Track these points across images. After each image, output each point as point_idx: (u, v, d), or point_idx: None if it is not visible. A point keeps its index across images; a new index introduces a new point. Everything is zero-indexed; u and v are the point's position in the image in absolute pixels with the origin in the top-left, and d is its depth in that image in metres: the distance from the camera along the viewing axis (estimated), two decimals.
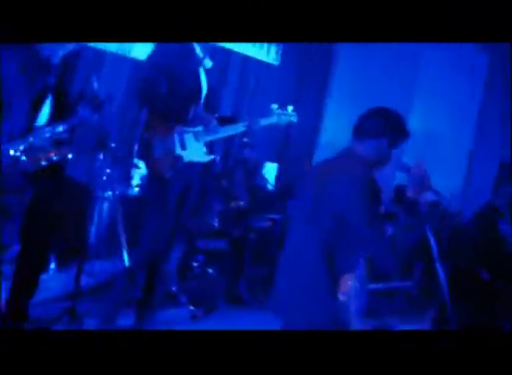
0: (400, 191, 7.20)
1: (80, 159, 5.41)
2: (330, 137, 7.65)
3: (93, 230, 5.04)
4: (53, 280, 4.64)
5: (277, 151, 7.37)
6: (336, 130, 7.52)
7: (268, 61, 7.50)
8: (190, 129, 4.03)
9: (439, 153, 7.75)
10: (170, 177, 3.92)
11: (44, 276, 4.62)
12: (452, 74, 7.96)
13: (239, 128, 4.24)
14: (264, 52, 7.46)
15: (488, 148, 7.30)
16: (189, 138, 4.01)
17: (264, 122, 4.28)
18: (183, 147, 3.98)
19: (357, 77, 7.82)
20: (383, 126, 2.97)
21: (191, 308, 4.66)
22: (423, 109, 8.16)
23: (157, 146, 3.90)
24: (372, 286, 6.07)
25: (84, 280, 4.16)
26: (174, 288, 4.69)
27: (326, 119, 7.96)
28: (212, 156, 4.23)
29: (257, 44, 7.35)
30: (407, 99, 8.18)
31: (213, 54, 6.74)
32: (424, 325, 4.42)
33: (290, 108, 4.34)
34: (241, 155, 6.08)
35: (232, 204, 5.48)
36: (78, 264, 3.89)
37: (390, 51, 7.35)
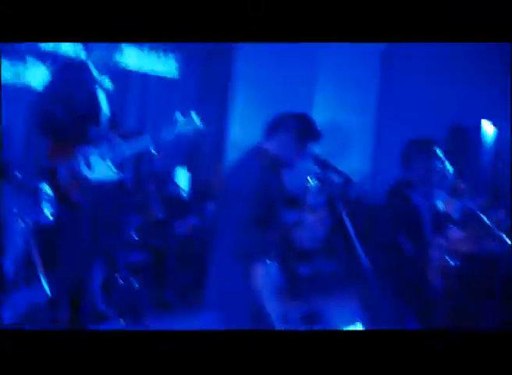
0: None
1: None
2: (238, 138, 7.72)
3: (7, 261, 4.91)
4: None
5: (188, 156, 7.37)
6: (243, 132, 7.62)
7: (168, 72, 7.51)
8: (95, 149, 4.01)
9: (347, 141, 7.96)
10: (79, 200, 3.88)
11: None
12: (348, 66, 8.17)
13: (144, 142, 4.23)
14: (162, 65, 7.47)
15: (391, 128, 7.57)
16: (94, 158, 3.99)
17: (169, 132, 4.29)
18: (89, 168, 3.96)
19: (259, 77, 7.92)
20: (293, 125, 3.08)
21: (121, 320, 4.63)
22: (325, 102, 8.37)
23: (62, 171, 3.87)
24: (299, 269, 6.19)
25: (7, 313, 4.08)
26: (101, 306, 4.63)
27: (232, 122, 8.02)
28: (121, 173, 4.20)
29: (154, 57, 7.35)
30: (309, 95, 8.38)
31: (113, 73, 6.87)
32: (351, 304, 4.49)
33: (194, 115, 4.36)
34: (151, 167, 6.06)
35: (150, 217, 5.46)
36: None
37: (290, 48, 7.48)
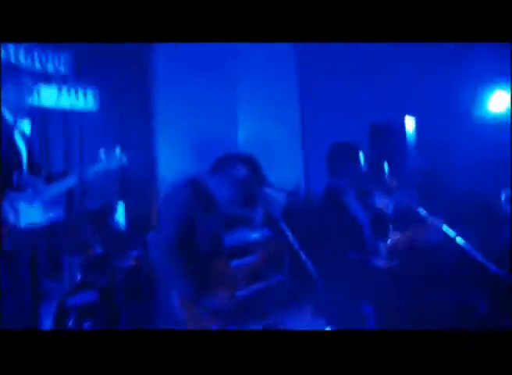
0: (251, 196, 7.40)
1: None
2: (167, 167, 7.72)
3: None
4: None
5: (121, 190, 7.30)
6: (172, 161, 7.63)
7: (88, 108, 7.43)
8: (20, 194, 3.93)
9: (274, 152, 8.04)
10: (11, 249, 3.80)
11: None
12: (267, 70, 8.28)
13: (70, 181, 4.19)
14: (81, 101, 7.39)
15: (316, 133, 7.70)
16: (21, 204, 3.91)
17: (93, 169, 4.26)
18: (17, 214, 3.87)
19: (179, 96, 7.95)
20: (238, 169, 3.13)
21: None
22: (249, 114, 8.46)
23: None
24: (241, 292, 6.20)
25: None
26: None
27: (160, 152, 8.01)
28: (51, 214, 4.14)
29: (73, 94, 7.27)
30: (232, 110, 8.45)
31: (31, 115, 6.75)
32: (306, 314, 4.53)
33: (118, 150, 4.34)
34: (83, 206, 5.98)
35: (89, 253, 5.37)
36: None
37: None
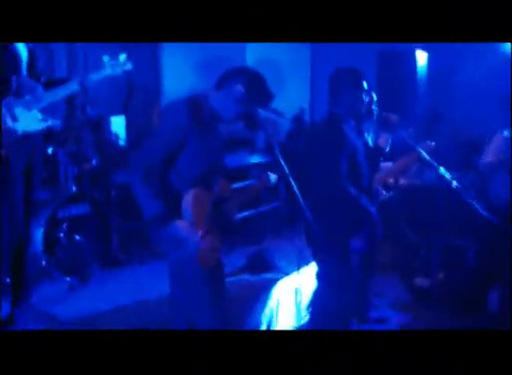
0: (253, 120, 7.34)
1: None
2: (172, 85, 7.61)
3: None
4: None
5: (122, 103, 7.21)
6: (178, 77, 7.52)
7: None
8: (19, 100, 3.84)
9: (282, 75, 7.93)
10: (6, 153, 3.75)
11: None
12: None
13: (71, 87, 4.08)
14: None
15: (325, 59, 7.55)
16: (19, 109, 3.83)
17: (96, 76, 4.04)
18: (15, 119, 3.80)
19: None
20: (243, 83, 3.02)
21: (67, 279, 4.63)
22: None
23: None
24: (242, 214, 6.24)
25: None
26: (45, 264, 4.57)
27: (165, 67, 7.87)
28: (50, 122, 4.07)
29: None
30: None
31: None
32: (298, 241, 4.54)
33: (122, 57, 4.19)
34: (83, 115, 5.89)
35: (86, 166, 5.34)
36: None
37: None
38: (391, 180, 5.05)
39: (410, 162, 4.71)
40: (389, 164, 4.62)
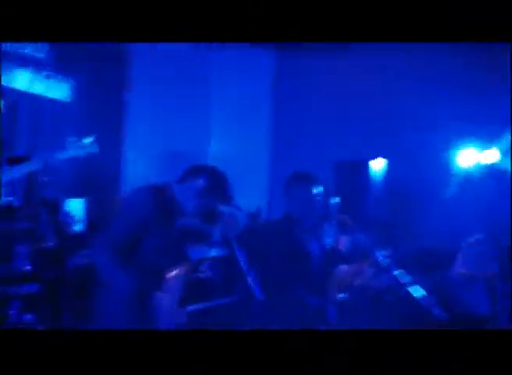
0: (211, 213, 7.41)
1: None
2: (133, 172, 7.68)
3: None
4: None
5: (83, 185, 7.21)
6: (138, 167, 7.60)
7: (61, 98, 7.35)
8: None
9: (242, 171, 8.06)
10: None
11: None
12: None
13: (34, 165, 4.04)
14: (56, 90, 7.31)
15: (285, 161, 7.74)
16: None
17: (61, 156, 4.05)
18: None
19: (153, 98, 7.94)
20: (206, 181, 3.11)
21: None
22: (221, 129, 8.49)
23: None
24: (192, 307, 6.15)
25: None
26: None
27: (127, 149, 7.96)
28: (10, 198, 4.00)
29: (51, 83, 7.19)
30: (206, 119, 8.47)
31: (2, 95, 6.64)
32: None
33: (88, 139, 4.20)
34: (43, 194, 5.85)
35: (42, 245, 5.25)
36: None
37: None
38: (346, 282, 5.08)
39: (365, 266, 4.75)
40: (345, 267, 4.66)
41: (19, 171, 3.99)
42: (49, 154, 4.04)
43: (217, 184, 3.18)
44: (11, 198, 4.06)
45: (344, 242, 4.11)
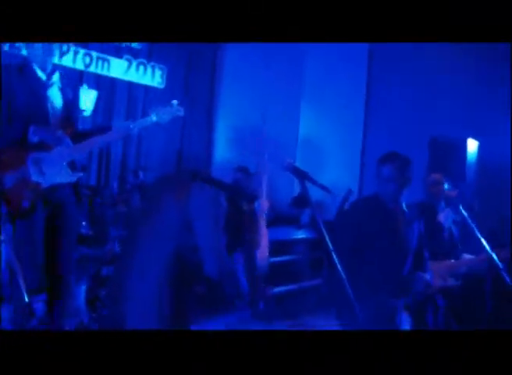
0: (301, 196, 7.43)
1: None
2: (222, 152, 7.79)
3: None
4: None
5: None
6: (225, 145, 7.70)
7: (154, 85, 7.56)
8: (44, 153, 3.71)
9: (331, 153, 8.04)
10: (28, 206, 3.63)
11: None
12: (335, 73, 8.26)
13: (112, 136, 3.95)
14: (148, 77, 7.52)
15: (377, 141, 7.64)
16: (46, 162, 3.70)
17: (140, 124, 3.94)
18: (42, 174, 3.69)
19: (244, 83, 8.00)
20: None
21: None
22: (310, 114, 8.46)
23: (8, 178, 3.57)
24: (282, 288, 6.22)
25: None
26: (85, 319, 4.61)
27: (218, 134, 8.09)
28: (80, 174, 3.98)
29: (142, 70, 7.41)
30: (295, 104, 8.46)
31: (98, 82, 6.91)
32: (332, 320, 4.47)
33: (175, 102, 3.96)
34: (136, 179, 6.05)
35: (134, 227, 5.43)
36: None
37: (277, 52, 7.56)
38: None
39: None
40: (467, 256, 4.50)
41: (96, 143, 3.97)
42: (131, 121, 3.95)
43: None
44: (80, 174, 4.00)
45: (447, 215, 4.00)
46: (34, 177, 3.67)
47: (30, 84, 3.77)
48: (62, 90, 3.92)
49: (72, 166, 3.85)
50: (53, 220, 3.79)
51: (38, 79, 3.80)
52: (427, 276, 3.72)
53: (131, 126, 3.88)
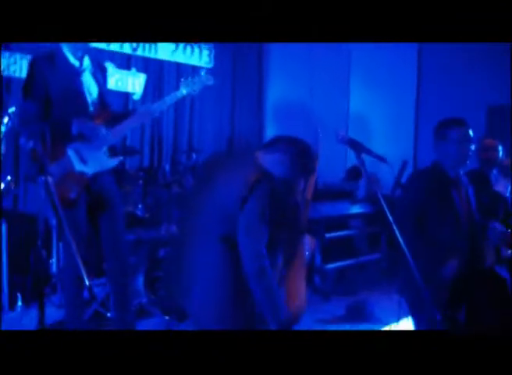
0: (355, 170, 7.35)
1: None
2: (272, 131, 7.73)
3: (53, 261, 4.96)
4: (23, 316, 4.58)
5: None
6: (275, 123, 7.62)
7: (202, 65, 7.53)
8: (84, 142, 3.74)
9: (386, 124, 7.92)
10: (76, 197, 3.68)
11: (12, 314, 4.63)
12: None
13: (143, 117, 4.00)
14: (196, 57, 7.49)
15: (431, 114, 7.46)
16: (86, 152, 3.74)
17: (171, 99, 3.93)
18: (84, 162, 3.73)
19: (291, 70, 7.92)
20: (295, 152, 2.93)
21: (166, 318, 4.64)
22: (360, 88, 8.34)
23: (53, 171, 3.36)
24: (339, 263, 6.17)
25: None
26: (145, 301, 4.66)
27: (267, 113, 8.04)
28: (120, 157, 3.96)
29: (189, 50, 7.38)
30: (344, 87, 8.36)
31: (146, 65, 6.92)
32: (392, 295, 4.39)
33: (203, 71, 4.05)
34: (189, 161, 6.05)
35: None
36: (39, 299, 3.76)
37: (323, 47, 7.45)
38: None
39: None
40: None
41: (135, 121, 3.98)
42: (161, 99, 3.99)
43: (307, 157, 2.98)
44: (121, 157, 4.00)
45: (506, 185, 3.88)
46: (78, 167, 3.70)
47: (65, 72, 3.74)
48: (94, 74, 3.90)
49: (112, 151, 3.89)
50: (97, 208, 3.84)
51: (72, 66, 3.78)
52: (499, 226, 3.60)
53: (160, 104, 3.91)
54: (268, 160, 2.91)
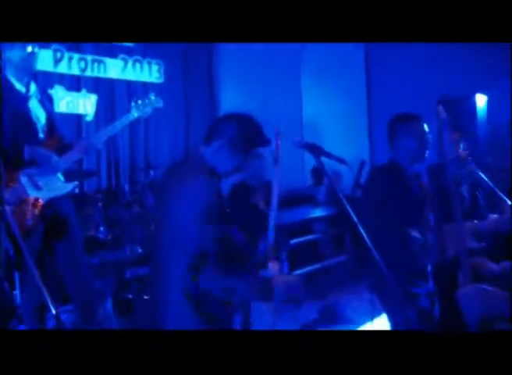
0: (317, 172, 7.36)
1: None
2: None
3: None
4: None
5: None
6: None
7: (152, 80, 7.48)
8: (38, 168, 3.70)
9: (339, 124, 7.97)
10: (33, 224, 3.61)
11: None
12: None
13: (102, 137, 4.01)
14: (146, 73, 7.44)
15: (383, 110, 7.53)
16: (40, 178, 3.70)
17: (122, 122, 3.97)
18: (38, 188, 3.67)
19: (242, 77, 7.93)
20: (234, 129, 2.81)
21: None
22: (313, 96, 8.37)
23: (7, 198, 3.35)
24: (310, 267, 6.17)
25: None
26: (114, 324, 4.59)
27: None
28: (76, 182, 3.96)
29: (138, 67, 7.33)
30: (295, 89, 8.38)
31: (97, 85, 6.83)
32: (363, 294, 4.41)
33: (152, 95, 4.08)
34: (147, 178, 5.99)
35: (152, 227, 5.38)
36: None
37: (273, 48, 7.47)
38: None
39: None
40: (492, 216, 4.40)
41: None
42: (112, 124, 4.01)
43: (250, 131, 2.88)
44: (76, 182, 3.96)
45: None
46: (32, 193, 3.64)
47: (11, 98, 3.64)
48: (41, 101, 3.87)
49: (68, 175, 3.86)
50: (53, 234, 3.78)
51: (18, 92, 3.73)
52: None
53: (112, 128, 3.93)
54: (208, 153, 2.81)
